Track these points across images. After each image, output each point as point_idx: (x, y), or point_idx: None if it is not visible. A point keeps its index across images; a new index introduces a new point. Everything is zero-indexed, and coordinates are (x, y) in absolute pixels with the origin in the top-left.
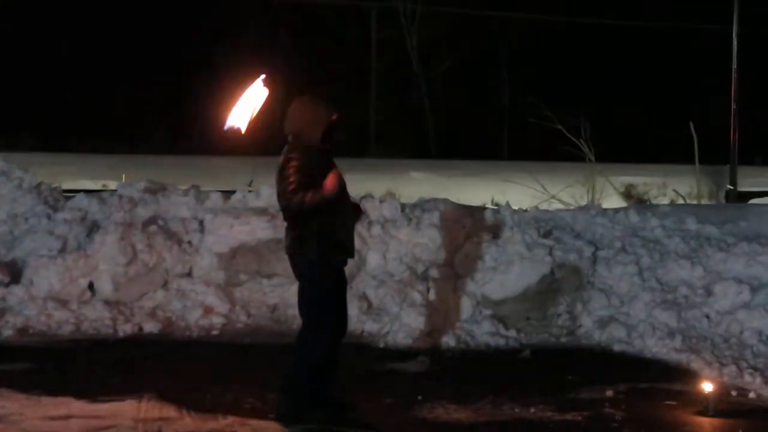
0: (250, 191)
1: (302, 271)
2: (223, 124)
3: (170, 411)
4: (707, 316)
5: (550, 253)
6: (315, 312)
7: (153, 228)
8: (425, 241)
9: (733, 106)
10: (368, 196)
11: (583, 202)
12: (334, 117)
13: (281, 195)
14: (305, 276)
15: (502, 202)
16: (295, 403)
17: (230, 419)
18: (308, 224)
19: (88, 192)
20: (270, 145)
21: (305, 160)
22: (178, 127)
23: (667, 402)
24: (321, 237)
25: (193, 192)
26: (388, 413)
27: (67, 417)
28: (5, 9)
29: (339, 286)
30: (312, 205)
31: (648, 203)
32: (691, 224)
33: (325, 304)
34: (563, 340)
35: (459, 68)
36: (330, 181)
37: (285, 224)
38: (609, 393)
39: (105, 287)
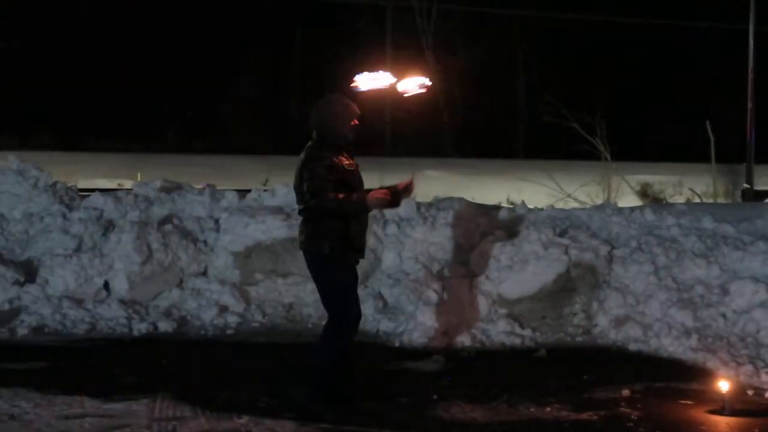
0: (265, 190)
1: (317, 266)
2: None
3: (185, 410)
4: (723, 315)
5: (566, 252)
6: (341, 305)
7: (168, 227)
8: (441, 240)
9: (750, 105)
10: None
11: (599, 201)
12: (355, 123)
13: (303, 191)
14: (320, 272)
15: (518, 200)
16: (318, 394)
17: (245, 419)
18: (325, 222)
19: (103, 191)
20: (287, 143)
21: (334, 159)
22: (194, 126)
23: (683, 401)
24: (335, 235)
25: (209, 191)
26: (403, 412)
27: (82, 416)
28: (23, 8)
29: (355, 279)
30: (343, 208)
31: (664, 202)
32: (708, 223)
33: (348, 297)
34: (579, 339)
35: (474, 66)
36: (377, 195)
37: (300, 219)
38: (625, 392)
39: (120, 286)
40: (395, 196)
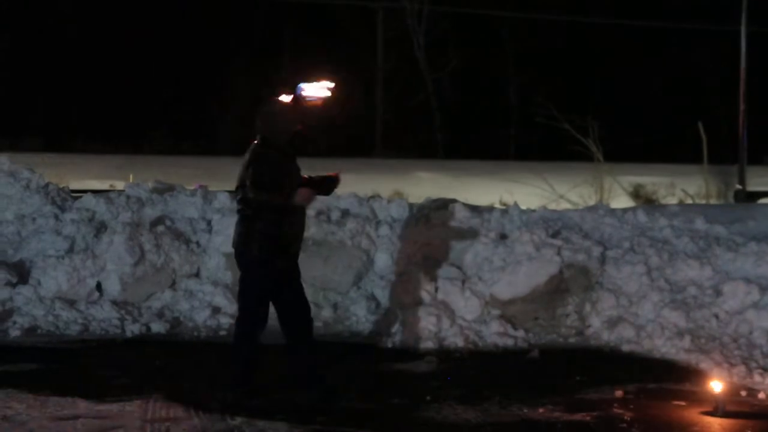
0: None
1: (246, 266)
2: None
3: (178, 411)
4: (716, 316)
5: (559, 253)
6: (252, 305)
7: (161, 228)
8: (433, 242)
9: (742, 106)
10: (376, 196)
11: (592, 202)
12: (299, 127)
13: (244, 187)
14: (246, 271)
15: (510, 202)
16: (232, 391)
17: (238, 420)
18: (256, 224)
19: (95, 192)
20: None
21: (274, 159)
22: (185, 128)
23: (676, 402)
24: (265, 237)
25: (201, 192)
26: (395, 413)
27: (75, 417)
28: (12, 10)
29: (287, 282)
30: (273, 204)
31: (656, 203)
32: (700, 224)
33: (262, 300)
34: (572, 340)
35: (466, 68)
36: (304, 194)
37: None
38: (618, 393)
39: (113, 287)
40: (323, 186)
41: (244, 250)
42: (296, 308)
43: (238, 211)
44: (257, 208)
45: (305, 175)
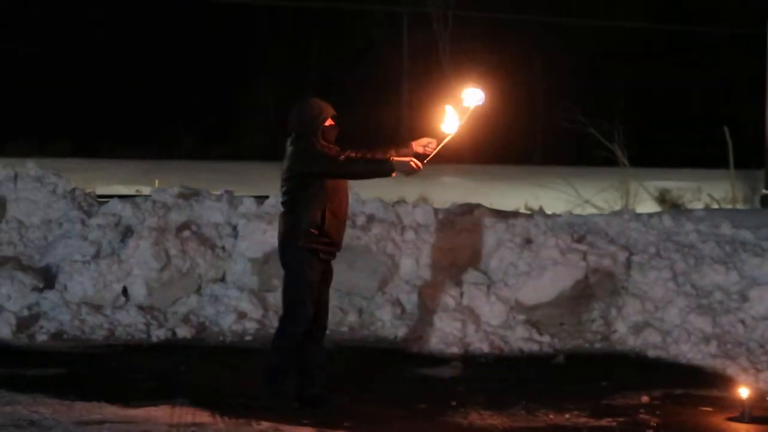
0: None
1: (290, 259)
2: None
3: (204, 416)
4: (742, 322)
5: (584, 258)
6: (296, 301)
7: (186, 233)
8: (458, 246)
9: None
10: (401, 201)
11: (617, 207)
12: (327, 123)
13: (288, 180)
14: (292, 265)
15: (536, 206)
16: (267, 387)
17: (264, 425)
18: (300, 213)
19: (121, 197)
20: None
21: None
22: (212, 132)
23: (703, 408)
24: (309, 226)
25: (227, 197)
26: (422, 419)
27: (101, 422)
28: (42, 14)
29: (323, 281)
30: (368, 167)
31: (682, 208)
32: (726, 229)
33: (306, 295)
34: (597, 345)
35: (492, 72)
36: (402, 159)
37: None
38: (644, 399)
39: (139, 292)
40: (418, 159)
41: (289, 242)
42: (316, 313)
43: (283, 204)
44: (302, 199)
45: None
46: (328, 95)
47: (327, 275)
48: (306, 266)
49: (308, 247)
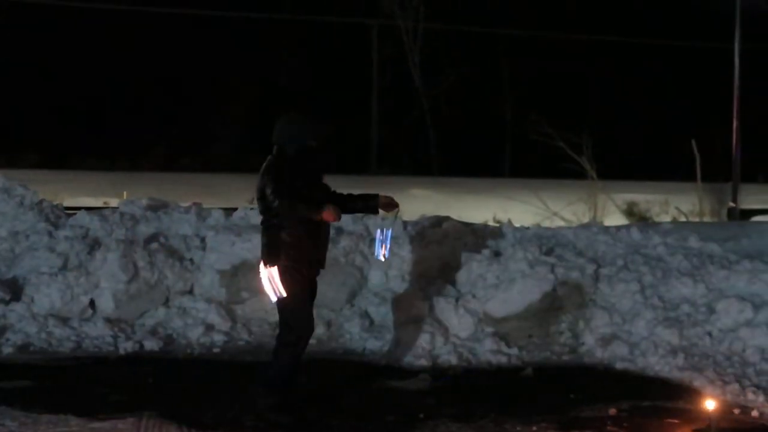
0: (251, 208)
1: (275, 274)
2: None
3: (171, 429)
4: (710, 334)
5: (552, 271)
6: (290, 316)
7: (154, 245)
8: (427, 259)
9: (735, 123)
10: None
11: (585, 220)
12: (311, 143)
13: (266, 196)
14: (278, 281)
15: (504, 219)
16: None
17: None
18: (280, 235)
19: (89, 209)
20: None
21: (292, 166)
22: (180, 145)
23: (670, 420)
24: (289, 247)
25: (195, 209)
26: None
27: None
28: (6, 26)
29: (310, 293)
30: (294, 210)
31: (650, 221)
32: (694, 242)
33: (299, 306)
34: (565, 358)
35: (461, 85)
36: (330, 213)
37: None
38: (612, 411)
39: (106, 304)
40: (357, 205)
41: (270, 262)
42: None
43: (262, 222)
44: (282, 218)
45: (341, 192)
46: (296, 107)
47: (312, 288)
48: (291, 282)
49: (290, 265)
